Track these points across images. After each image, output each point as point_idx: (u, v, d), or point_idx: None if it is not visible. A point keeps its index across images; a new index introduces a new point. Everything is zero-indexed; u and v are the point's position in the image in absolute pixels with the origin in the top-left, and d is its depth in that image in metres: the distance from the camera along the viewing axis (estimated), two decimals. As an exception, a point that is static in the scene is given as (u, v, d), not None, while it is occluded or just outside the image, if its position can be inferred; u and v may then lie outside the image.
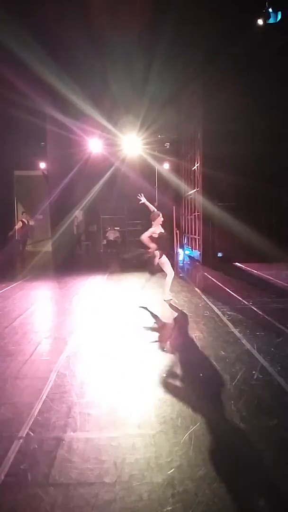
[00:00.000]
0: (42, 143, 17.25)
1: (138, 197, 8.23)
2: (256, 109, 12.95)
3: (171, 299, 7.87)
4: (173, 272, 7.90)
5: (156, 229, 7.67)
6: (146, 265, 7.93)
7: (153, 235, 7.63)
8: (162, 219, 7.81)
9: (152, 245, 7.55)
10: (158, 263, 7.78)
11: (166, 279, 7.85)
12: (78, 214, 21.01)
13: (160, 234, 7.68)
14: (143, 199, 8.18)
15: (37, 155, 18.79)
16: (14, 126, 15.17)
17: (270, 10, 11.14)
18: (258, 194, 13.94)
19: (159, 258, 7.72)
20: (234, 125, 12.79)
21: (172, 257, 14.99)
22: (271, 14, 11.19)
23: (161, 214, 7.82)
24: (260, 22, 11.20)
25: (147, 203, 8.16)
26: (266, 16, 11.10)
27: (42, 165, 19.79)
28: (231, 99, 12.30)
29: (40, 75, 12.19)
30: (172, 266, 7.96)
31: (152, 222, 7.78)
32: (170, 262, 7.96)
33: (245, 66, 12.73)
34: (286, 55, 12.96)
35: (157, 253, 7.68)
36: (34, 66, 11.61)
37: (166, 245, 7.96)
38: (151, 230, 7.65)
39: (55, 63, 12.21)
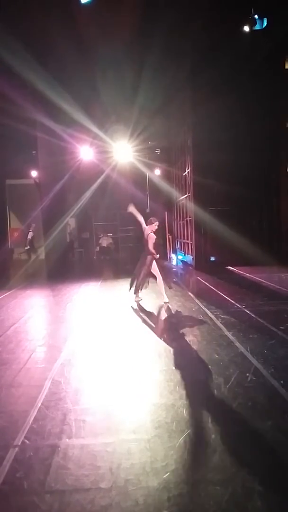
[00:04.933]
0: (33, 152, 17.26)
1: (128, 207, 8.67)
2: (244, 118, 13.13)
3: (167, 302, 8.19)
4: (160, 275, 8.36)
5: (154, 235, 8.27)
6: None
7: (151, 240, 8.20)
8: (156, 227, 8.40)
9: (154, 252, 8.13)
10: (149, 268, 8.21)
11: (157, 281, 8.32)
12: (70, 221, 21.01)
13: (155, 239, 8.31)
14: (132, 209, 8.62)
15: (28, 164, 18.77)
16: (5, 134, 15.16)
17: (256, 16, 11.32)
18: (248, 199, 14.07)
19: (151, 263, 8.20)
20: (223, 133, 12.94)
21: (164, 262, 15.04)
22: (257, 21, 11.38)
23: (157, 222, 8.43)
24: (246, 29, 11.36)
25: (136, 213, 8.61)
26: (252, 23, 11.27)
27: (34, 173, 19.78)
28: (220, 107, 12.42)
29: (30, 83, 12.24)
30: (165, 271, 8.31)
31: (148, 225, 8.36)
32: (159, 266, 8.48)
33: (233, 75, 12.88)
34: (274, 63, 13.17)
35: (149, 259, 8.20)
36: (24, 74, 11.66)
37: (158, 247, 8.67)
38: (151, 236, 8.18)
39: (46, 71, 12.26)
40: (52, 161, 16.30)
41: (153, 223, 8.33)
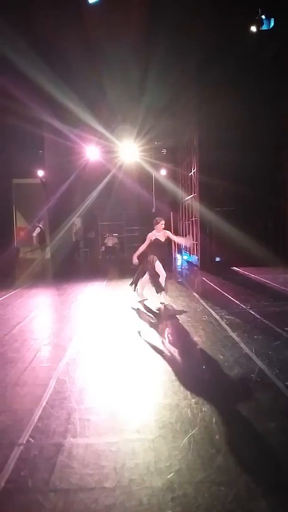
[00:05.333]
0: (40, 151, 17.34)
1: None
2: (251, 117, 13.07)
3: (166, 303, 8.03)
4: (165, 274, 8.07)
5: (153, 235, 8.07)
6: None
7: (150, 240, 8.03)
8: (162, 224, 8.13)
9: (136, 261, 8.14)
10: (154, 268, 7.94)
11: (159, 278, 8.00)
12: (76, 221, 21.07)
13: (155, 239, 8.04)
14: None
15: (35, 163, 18.86)
16: (12, 134, 15.25)
17: (263, 17, 11.28)
18: (254, 200, 14.00)
19: (153, 262, 7.95)
20: (229, 133, 12.90)
21: (170, 263, 15.05)
22: (264, 21, 11.33)
23: (162, 221, 8.16)
24: (253, 29, 11.32)
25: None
26: (259, 23, 11.23)
27: (40, 173, 19.85)
28: (226, 107, 12.39)
29: (37, 84, 12.28)
30: (170, 271, 8.14)
31: (155, 227, 8.14)
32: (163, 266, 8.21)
33: (239, 75, 12.85)
34: (280, 63, 13.11)
35: (151, 258, 7.98)
36: (31, 74, 11.71)
37: (161, 250, 8.31)
38: (148, 237, 8.06)
39: (53, 72, 12.30)
40: (58, 161, 16.37)
41: (158, 223, 8.10)
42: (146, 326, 6.57)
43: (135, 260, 8.18)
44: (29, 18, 10.55)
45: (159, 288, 7.91)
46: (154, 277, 7.96)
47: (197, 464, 2.76)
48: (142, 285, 8.29)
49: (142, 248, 8.13)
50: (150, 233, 8.14)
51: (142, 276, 8.19)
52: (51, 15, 10.58)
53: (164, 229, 8.22)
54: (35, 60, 11.29)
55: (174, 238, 8.95)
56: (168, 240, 8.42)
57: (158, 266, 8.00)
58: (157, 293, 8.01)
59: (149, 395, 3.93)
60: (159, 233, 8.11)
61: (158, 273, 8.01)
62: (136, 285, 8.33)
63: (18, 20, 10.26)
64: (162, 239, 8.15)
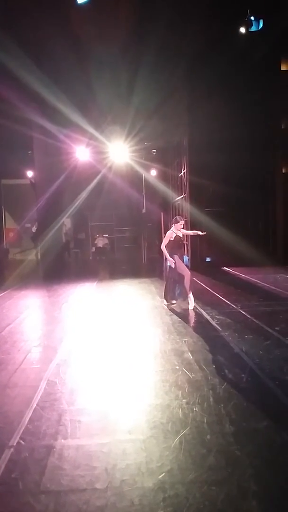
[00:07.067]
0: (29, 152, 17.23)
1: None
2: (240, 119, 13.15)
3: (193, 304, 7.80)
4: (189, 272, 7.88)
5: (173, 233, 7.87)
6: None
7: (170, 239, 7.85)
8: (182, 224, 8.00)
9: (167, 254, 7.80)
10: (175, 266, 7.75)
11: (184, 280, 7.76)
12: (66, 221, 21.00)
13: (176, 237, 7.85)
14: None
15: (24, 164, 18.74)
16: (0, 134, 15.13)
17: (252, 18, 11.36)
18: (244, 200, 14.11)
19: (175, 261, 7.77)
20: (219, 134, 12.98)
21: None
22: (253, 22, 11.41)
23: (182, 221, 8.05)
24: (242, 30, 11.40)
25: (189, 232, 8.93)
26: (248, 24, 11.31)
27: (30, 173, 19.74)
28: (216, 108, 12.46)
29: (26, 83, 12.20)
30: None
31: (173, 225, 7.98)
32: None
33: (229, 76, 12.92)
34: (270, 64, 13.21)
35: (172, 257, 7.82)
36: (20, 74, 11.63)
37: (181, 249, 8.24)
38: (168, 235, 7.90)
39: (41, 72, 12.24)
40: (48, 161, 16.29)
41: (178, 222, 7.90)
42: (137, 327, 6.56)
43: (171, 260, 7.77)
44: (18, 18, 10.49)
45: (184, 295, 7.80)
46: (174, 282, 7.88)
47: (188, 464, 2.77)
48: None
49: (163, 247, 7.88)
50: (169, 231, 7.97)
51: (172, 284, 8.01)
52: (40, 14, 10.52)
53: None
54: (24, 60, 11.21)
55: (189, 232, 9.30)
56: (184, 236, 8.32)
57: (182, 267, 7.81)
58: (180, 299, 7.96)
59: (140, 395, 3.92)
60: (177, 231, 7.90)
61: (182, 273, 7.76)
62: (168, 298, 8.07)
63: (5, 19, 10.19)
64: (181, 235, 8.01)
